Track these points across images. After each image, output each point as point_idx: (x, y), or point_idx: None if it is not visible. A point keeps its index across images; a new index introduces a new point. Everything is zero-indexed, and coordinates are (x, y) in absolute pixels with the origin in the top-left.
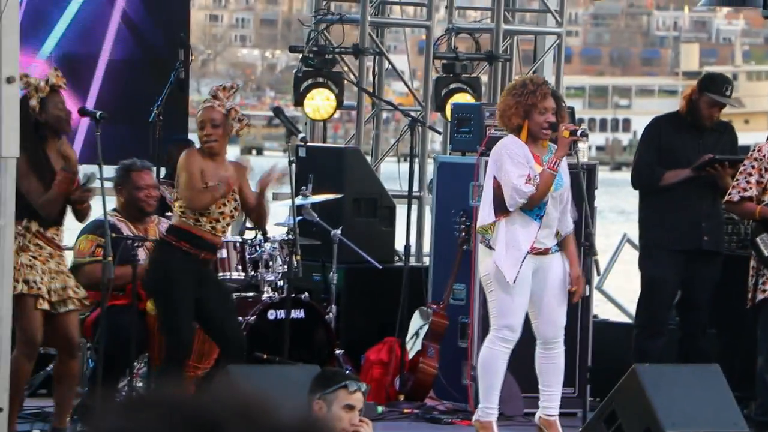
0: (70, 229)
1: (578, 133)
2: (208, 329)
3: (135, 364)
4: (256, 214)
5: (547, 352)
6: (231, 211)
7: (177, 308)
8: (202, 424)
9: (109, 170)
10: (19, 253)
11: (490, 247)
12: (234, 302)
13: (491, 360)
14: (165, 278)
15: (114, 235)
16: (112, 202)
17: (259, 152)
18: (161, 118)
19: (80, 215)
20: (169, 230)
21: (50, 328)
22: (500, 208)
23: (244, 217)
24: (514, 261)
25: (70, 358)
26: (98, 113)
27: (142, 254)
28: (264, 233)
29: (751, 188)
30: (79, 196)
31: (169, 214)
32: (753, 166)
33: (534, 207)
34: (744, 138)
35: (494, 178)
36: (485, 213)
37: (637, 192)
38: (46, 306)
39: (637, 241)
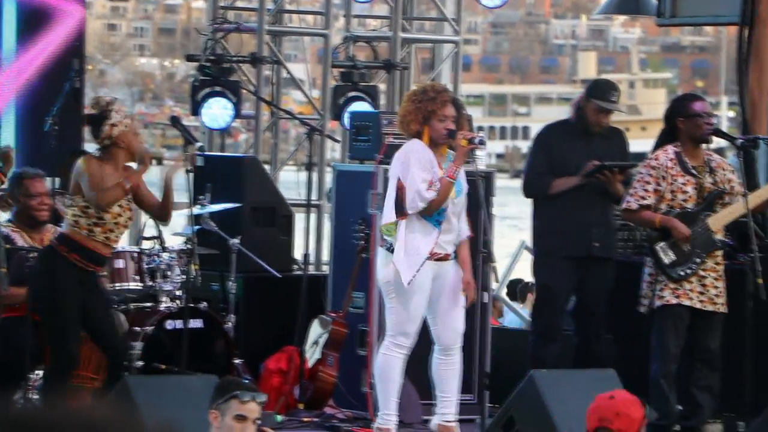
0: None
1: (475, 141)
2: (95, 338)
3: (30, 376)
4: (161, 209)
5: (445, 358)
6: (126, 221)
7: (65, 319)
8: None
9: None
10: None
11: (391, 251)
12: (113, 313)
13: (387, 367)
14: (52, 289)
15: (8, 245)
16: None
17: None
18: (56, 128)
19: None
20: (61, 239)
21: None
22: (401, 209)
23: (142, 227)
24: (412, 265)
25: None
26: None
27: None
28: (161, 243)
29: (649, 197)
30: None
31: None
32: (650, 175)
33: (433, 213)
34: (641, 145)
35: (398, 179)
36: (387, 212)
37: (531, 200)
38: None
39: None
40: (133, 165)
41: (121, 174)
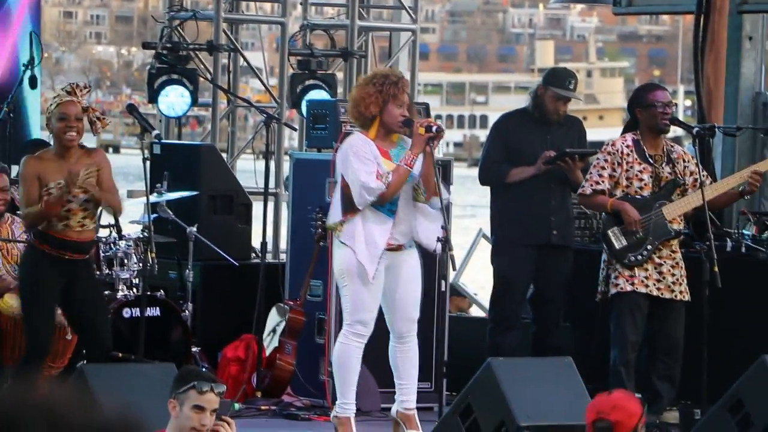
0: None
1: (433, 129)
2: (76, 328)
3: None
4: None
5: (401, 345)
6: (80, 206)
7: (37, 310)
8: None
9: None
10: None
11: (344, 244)
12: (104, 302)
13: (345, 355)
14: (29, 281)
15: None
16: None
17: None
18: (12, 115)
19: None
20: (34, 233)
21: None
22: (349, 206)
23: (98, 215)
24: (373, 257)
25: None
26: None
27: None
28: (119, 231)
29: (603, 181)
30: None
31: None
32: (606, 160)
33: (386, 203)
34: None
35: (341, 177)
36: (334, 211)
37: (489, 188)
38: None
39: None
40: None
41: (71, 163)
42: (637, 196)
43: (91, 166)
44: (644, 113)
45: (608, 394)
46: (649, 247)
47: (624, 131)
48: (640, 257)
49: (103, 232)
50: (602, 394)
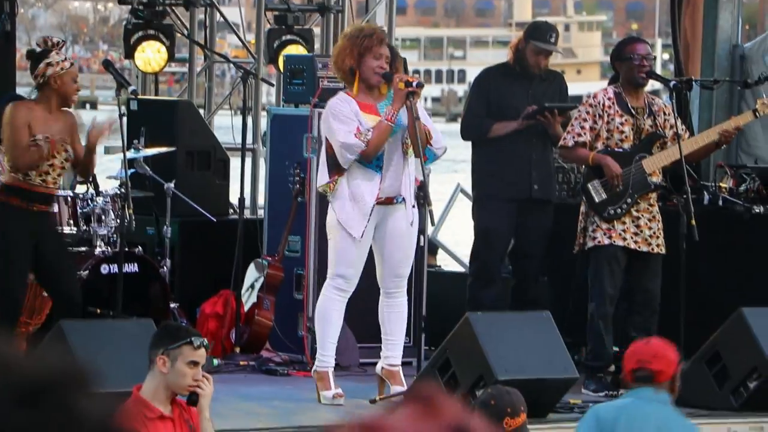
0: None
1: (413, 84)
2: (44, 284)
3: None
4: (82, 167)
5: (390, 300)
6: (62, 162)
7: (9, 267)
8: None
9: None
10: None
11: (336, 201)
12: (72, 257)
13: (326, 309)
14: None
15: None
16: None
17: (93, 106)
18: None
19: None
20: (1, 188)
21: None
22: (335, 167)
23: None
24: (361, 216)
25: None
26: None
27: None
28: (96, 187)
29: (585, 134)
30: None
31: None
32: (588, 113)
33: (372, 159)
34: (577, 88)
35: (325, 139)
36: (321, 174)
37: (470, 143)
38: None
39: (470, 191)
40: (70, 110)
41: (54, 117)
42: (618, 149)
43: (67, 126)
44: (623, 66)
45: (646, 342)
46: (629, 200)
47: (609, 84)
48: (619, 210)
49: (80, 188)
50: (640, 341)
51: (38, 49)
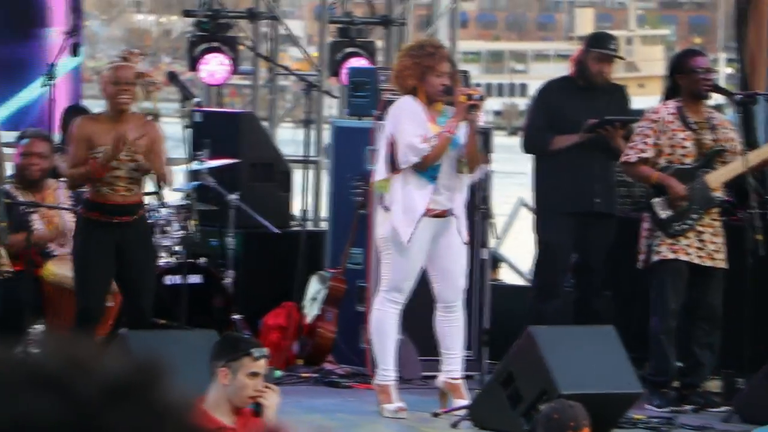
0: None
1: (475, 97)
2: (123, 293)
3: (30, 330)
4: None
5: (446, 314)
6: (129, 172)
7: (87, 279)
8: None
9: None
10: None
11: (387, 209)
12: (152, 270)
13: (382, 322)
14: (79, 249)
15: (8, 201)
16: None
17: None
18: (53, 83)
19: None
20: (80, 201)
21: None
22: (393, 164)
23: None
24: (409, 221)
25: None
26: None
27: (36, 221)
28: (161, 198)
29: (647, 150)
30: None
31: (64, 180)
32: (650, 128)
33: (428, 168)
34: (639, 102)
35: (390, 135)
36: (379, 168)
37: (531, 156)
38: None
39: (532, 205)
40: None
41: (126, 127)
42: (681, 165)
43: (141, 132)
44: (685, 79)
45: None
46: (693, 216)
47: (664, 98)
48: (684, 226)
49: (145, 200)
50: None
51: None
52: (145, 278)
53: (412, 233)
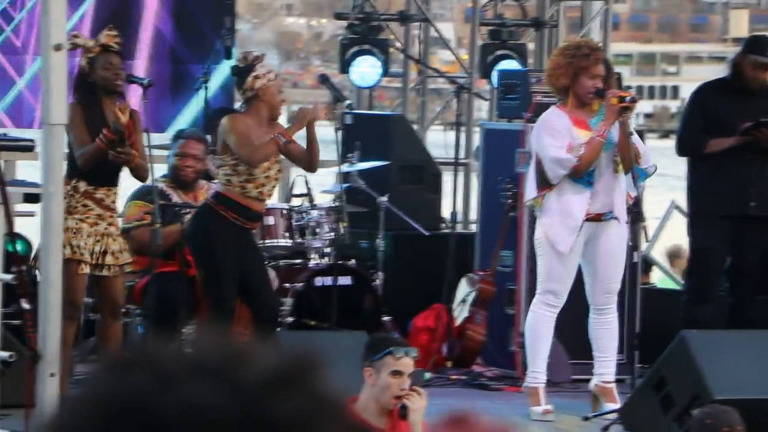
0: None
1: (626, 99)
2: (246, 297)
3: (184, 330)
4: (309, 155)
5: (600, 317)
6: (276, 174)
7: (221, 276)
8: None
9: (161, 138)
10: (66, 216)
11: (541, 217)
12: (266, 271)
13: (536, 325)
14: (210, 245)
15: (162, 201)
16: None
17: None
18: (207, 85)
19: (137, 175)
20: (217, 198)
21: (96, 290)
22: (543, 182)
23: (290, 184)
24: (570, 230)
25: (113, 320)
26: (146, 81)
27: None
28: (311, 200)
29: None
30: (114, 157)
31: (216, 181)
32: None
33: (583, 174)
34: None
35: (535, 154)
36: (529, 188)
37: (685, 159)
38: (87, 270)
39: (685, 208)
40: (279, 124)
41: (265, 129)
42: None
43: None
44: None
45: None
46: None
47: None
48: None
49: (296, 201)
50: None
51: (241, 65)
52: (266, 278)
53: (573, 242)
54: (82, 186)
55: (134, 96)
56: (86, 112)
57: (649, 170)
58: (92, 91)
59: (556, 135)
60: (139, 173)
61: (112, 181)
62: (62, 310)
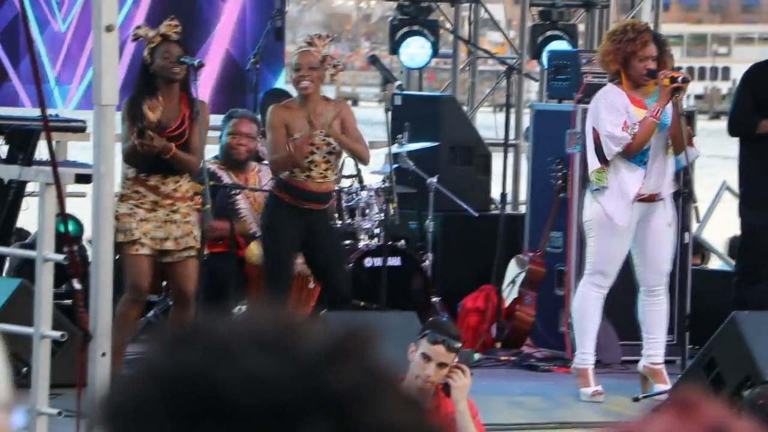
0: None
1: (678, 80)
2: (318, 277)
3: (234, 311)
4: (352, 156)
5: (650, 298)
6: (325, 156)
7: (277, 258)
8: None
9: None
10: (119, 203)
11: (594, 193)
12: (343, 251)
13: (584, 305)
14: (269, 228)
15: (212, 183)
16: (214, 150)
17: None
18: (258, 66)
19: (180, 168)
20: (275, 180)
21: (167, 278)
22: (601, 157)
23: (341, 165)
24: (627, 206)
25: (183, 309)
26: (196, 62)
27: (241, 202)
28: (360, 181)
29: None
30: (139, 146)
31: (266, 162)
32: None
33: (636, 154)
34: None
35: (593, 128)
36: (591, 160)
37: (736, 140)
38: (145, 251)
39: (736, 189)
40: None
41: (318, 113)
42: None
43: (331, 112)
44: None
45: None
46: None
47: None
48: None
49: (345, 182)
50: None
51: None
52: (337, 260)
53: (629, 217)
54: (131, 173)
55: (204, 87)
56: (130, 106)
57: (691, 159)
58: (150, 82)
59: (613, 111)
60: (182, 166)
61: (167, 169)
62: (126, 292)
